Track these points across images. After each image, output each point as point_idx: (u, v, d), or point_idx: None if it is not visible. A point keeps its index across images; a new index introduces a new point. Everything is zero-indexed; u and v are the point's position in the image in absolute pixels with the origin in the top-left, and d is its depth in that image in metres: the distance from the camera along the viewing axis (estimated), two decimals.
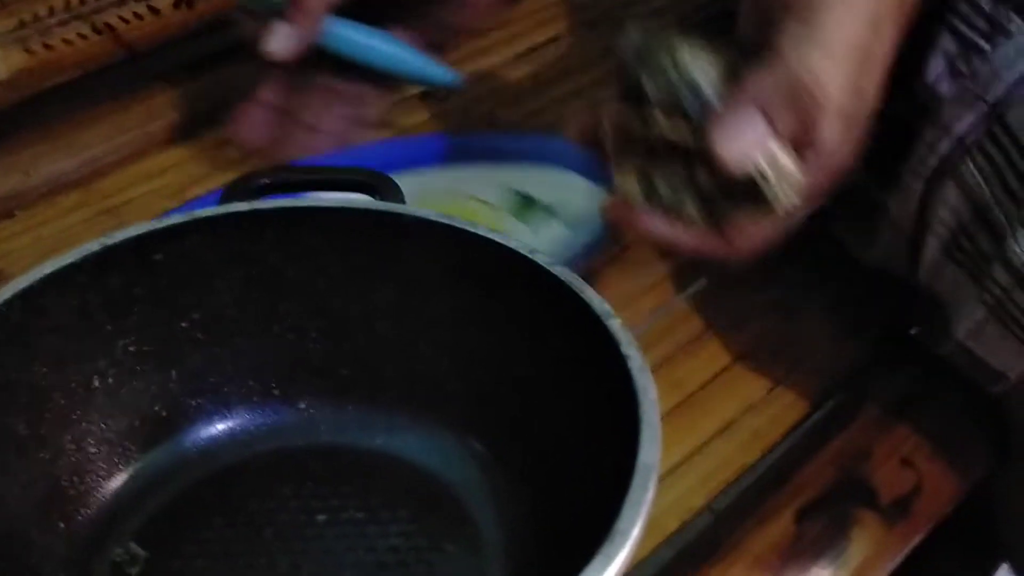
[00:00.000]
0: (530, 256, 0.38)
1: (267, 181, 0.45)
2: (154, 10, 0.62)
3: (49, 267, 0.38)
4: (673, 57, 0.38)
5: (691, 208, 0.40)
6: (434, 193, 0.54)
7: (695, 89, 0.38)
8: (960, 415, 0.46)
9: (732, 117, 0.36)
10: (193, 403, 0.41)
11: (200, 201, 0.53)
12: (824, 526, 0.42)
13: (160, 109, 0.64)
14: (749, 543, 0.41)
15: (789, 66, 0.36)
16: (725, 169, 0.36)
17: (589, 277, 0.38)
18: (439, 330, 0.41)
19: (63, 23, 0.60)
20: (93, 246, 0.39)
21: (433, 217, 0.40)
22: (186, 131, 0.63)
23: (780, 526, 0.42)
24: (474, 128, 0.64)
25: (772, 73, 0.36)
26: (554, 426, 0.37)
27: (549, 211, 0.55)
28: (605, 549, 0.29)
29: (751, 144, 0.36)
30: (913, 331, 0.46)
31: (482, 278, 0.40)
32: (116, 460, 0.39)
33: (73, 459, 0.38)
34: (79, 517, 0.38)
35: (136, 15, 0.61)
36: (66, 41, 0.60)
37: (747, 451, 0.44)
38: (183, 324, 0.41)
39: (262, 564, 0.37)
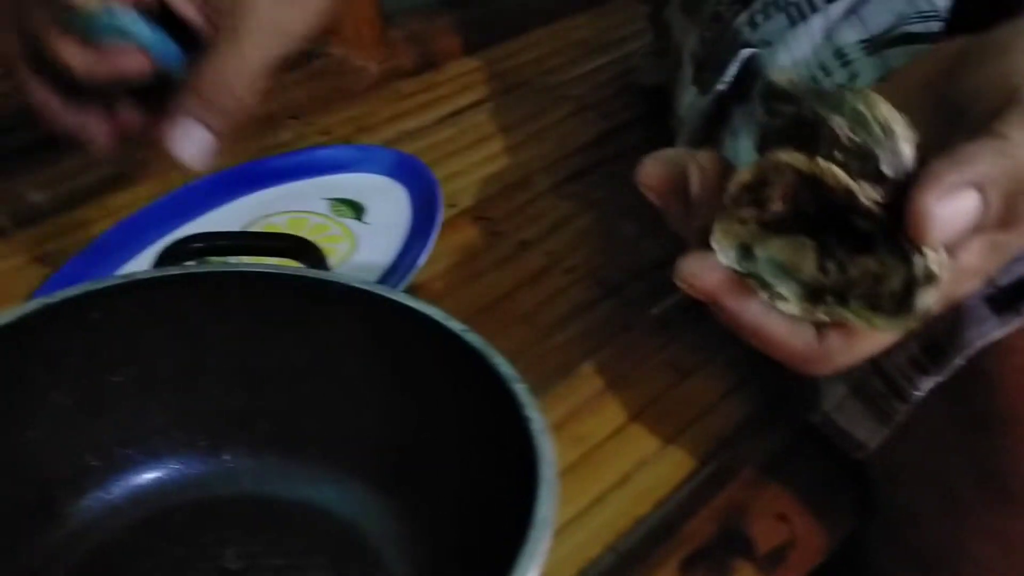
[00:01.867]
0: (444, 323, 0.41)
1: (200, 245, 0.48)
2: None
3: None
4: (871, 108, 0.32)
5: (792, 298, 0.34)
6: (271, 212, 0.62)
7: (895, 149, 0.32)
8: (829, 475, 0.50)
9: (949, 188, 0.31)
10: (123, 453, 0.43)
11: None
12: (706, 575, 0.45)
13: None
14: None
15: (1012, 155, 0.31)
16: (922, 238, 0.31)
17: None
18: (356, 388, 0.43)
19: None
20: (33, 305, 0.41)
21: (351, 283, 0.43)
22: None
23: (666, 574, 0.45)
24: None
25: (1002, 157, 0.31)
26: (462, 480, 0.40)
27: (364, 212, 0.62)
28: None
29: (960, 227, 0.31)
30: (789, 396, 0.51)
31: (396, 340, 0.42)
32: (46, 508, 0.41)
33: (3, 509, 0.39)
34: (6, 569, 0.39)
35: None
36: None
37: (640, 504, 0.47)
38: (114, 378, 0.43)
39: None
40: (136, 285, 0.43)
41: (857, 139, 0.32)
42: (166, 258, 0.47)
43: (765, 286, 0.34)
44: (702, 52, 0.58)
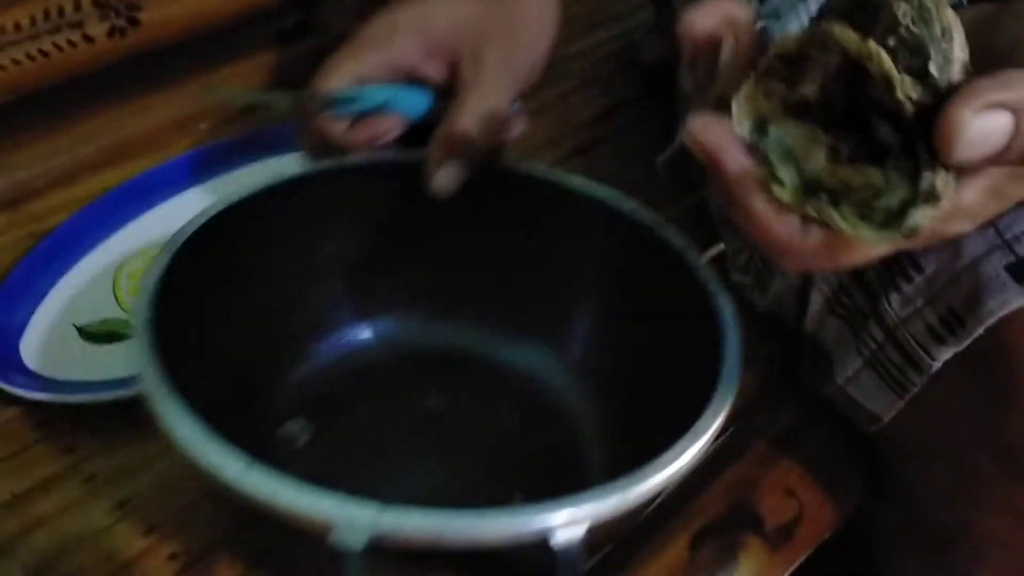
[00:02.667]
0: (618, 205, 0.47)
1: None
2: (88, 38, 0.63)
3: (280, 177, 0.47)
4: (938, 6, 0.31)
5: (789, 185, 0.33)
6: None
7: (948, 54, 0.31)
8: (838, 451, 0.49)
9: (987, 103, 0.30)
10: (341, 313, 0.50)
11: None
12: (715, 551, 0.45)
13: (92, 134, 0.65)
14: (649, 566, 0.44)
15: None
16: (948, 149, 0.30)
17: None
18: (551, 267, 0.49)
19: None
20: (273, 179, 0.47)
21: (544, 174, 0.49)
22: (117, 156, 0.64)
23: (676, 551, 0.45)
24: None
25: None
26: (639, 339, 0.46)
27: None
28: (713, 405, 0.37)
29: (988, 147, 0.31)
30: (800, 369, 0.50)
31: (586, 224, 0.48)
32: (278, 359, 0.48)
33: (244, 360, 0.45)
34: (262, 398, 0.46)
35: (70, 43, 0.62)
36: (0, 67, 0.61)
37: None
38: (339, 248, 0.49)
39: (399, 439, 0.46)
40: (365, 167, 0.49)
41: (916, 30, 0.31)
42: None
43: (767, 164, 0.33)
44: None
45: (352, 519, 0.31)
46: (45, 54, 0.62)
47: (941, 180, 0.31)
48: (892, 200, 0.32)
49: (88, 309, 0.54)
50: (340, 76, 0.49)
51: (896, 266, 0.41)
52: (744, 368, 0.39)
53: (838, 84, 0.33)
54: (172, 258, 0.42)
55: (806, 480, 0.48)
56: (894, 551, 0.50)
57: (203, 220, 0.44)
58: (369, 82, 0.49)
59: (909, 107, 0.31)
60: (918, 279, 0.41)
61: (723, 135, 0.34)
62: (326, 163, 0.49)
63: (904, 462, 0.47)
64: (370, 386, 0.48)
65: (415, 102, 0.50)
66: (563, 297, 0.49)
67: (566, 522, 0.32)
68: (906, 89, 0.31)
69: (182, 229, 0.43)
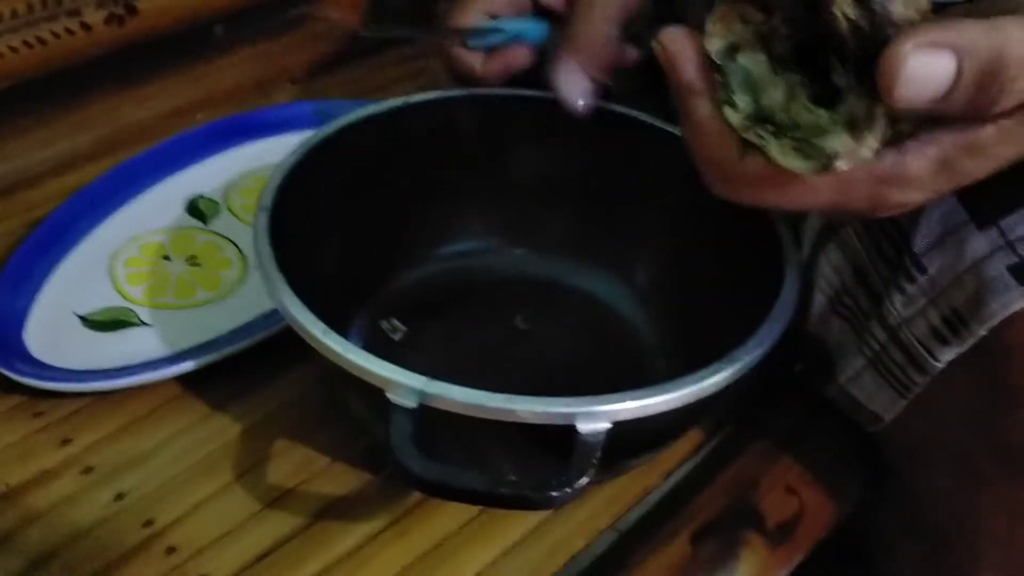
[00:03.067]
0: None
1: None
2: (86, 26, 0.63)
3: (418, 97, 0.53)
4: None
5: (740, 111, 0.34)
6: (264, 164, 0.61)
7: None
8: (839, 448, 0.50)
9: (929, 42, 0.30)
10: (444, 230, 0.55)
11: None
12: (716, 548, 0.45)
13: (88, 123, 0.65)
14: (649, 563, 0.44)
15: (1011, 38, 0.30)
16: (888, 85, 0.30)
17: None
18: (625, 200, 0.54)
19: None
20: (397, 101, 0.52)
21: (638, 116, 0.53)
22: (114, 145, 0.64)
23: (677, 547, 0.45)
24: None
25: (986, 34, 0.30)
26: (703, 271, 0.50)
27: None
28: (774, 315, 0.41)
29: (927, 88, 0.30)
30: (798, 368, 0.51)
31: (659, 159, 0.51)
32: (388, 266, 0.53)
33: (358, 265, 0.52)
34: (371, 295, 0.52)
35: (68, 30, 0.62)
36: None
37: (648, 475, 0.47)
38: (446, 172, 0.54)
39: (480, 349, 0.51)
40: (473, 97, 0.54)
41: None
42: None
43: (726, 87, 0.35)
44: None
45: (406, 381, 0.37)
46: (42, 41, 0.62)
47: (864, 107, 0.31)
48: (831, 143, 0.32)
49: (87, 296, 0.53)
50: (472, 11, 0.52)
51: (899, 266, 0.41)
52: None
53: (808, 16, 0.33)
54: (299, 159, 0.48)
55: (807, 478, 0.48)
56: (893, 550, 0.50)
57: (328, 132, 0.50)
58: (499, 16, 0.53)
59: (844, 25, 0.32)
60: (921, 279, 0.41)
61: (689, 47, 0.35)
62: (435, 94, 0.53)
63: (904, 461, 0.47)
64: (464, 300, 0.54)
65: (542, 32, 0.53)
66: (632, 227, 0.54)
67: (587, 415, 0.37)
68: (843, 4, 0.31)
69: (304, 143, 0.49)
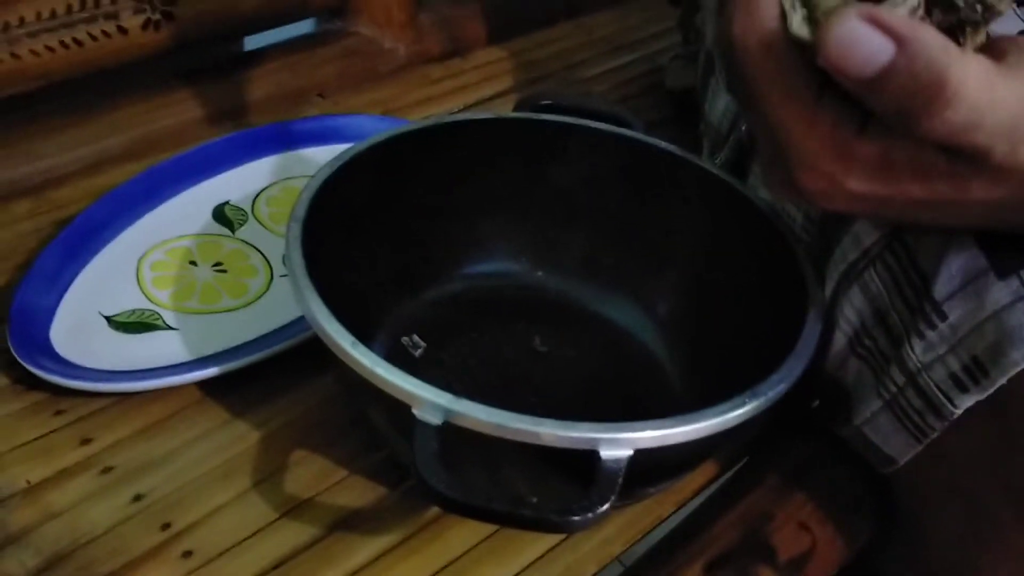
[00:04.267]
0: (714, 169, 0.53)
1: (547, 102, 0.57)
2: (123, 30, 0.63)
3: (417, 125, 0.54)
4: None
5: (802, 17, 0.34)
6: (294, 175, 0.64)
7: None
8: (852, 487, 0.50)
9: (872, 20, 0.31)
10: (465, 251, 0.56)
11: None
12: None
13: (119, 125, 0.66)
14: None
15: (960, 65, 0.31)
16: (819, 39, 0.32)
17: None
18: (648, 227, 0.55)
19: (32, 34, 0.60)
20: (429, 121, 0.54)
21: (662, 146, 0.54)
22: (144, 149, 0.65)
23: None
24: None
25: (939, 49, 0.31)
26: (725, 301, 0.51)
27: None
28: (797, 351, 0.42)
29: (858, 58, 0.31)
30: (814, 405, 0.51)
31: (682, 187, 0.53)
32: (407, 285, 0.54)
33: (396, 277, 0.53)
34: (394, 310, 0.53)
35: (105, 33, 0.63)
36: (33, 52, 0.61)
37: (663, 504, 0.48)
38: (470, 191, 0.55)
39: (499, 369, 0.52)
40: (502, 121, 0.55)
41: None
42: (520, 107, 0.57)
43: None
44: None
45: (433, 398, 0.38)
46: (78, 43, 0.62)
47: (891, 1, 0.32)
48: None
49: (113, 298, 0.54)
50: None
51: (920, 312, 0.42)
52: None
53: None
54: (332, 174, 0.48)
55: (819, 515, 0.48)
56: None
57: (361, 148, 0.51)
58: None
59: None
60: (942, 326, 0.41)
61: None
62: (464, 116, 0.55)
63: (916, 503, 0.48)
64: (484, 320, 0.54)
65: None
66: (656, 257, 0.55)
67: (611, 441, 0.37)
68: None
69: (338, 157, 0.49)
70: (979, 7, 0.33)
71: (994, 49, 0.33)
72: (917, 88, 0.31)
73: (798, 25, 0.34)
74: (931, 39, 0.31)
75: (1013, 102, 0.32)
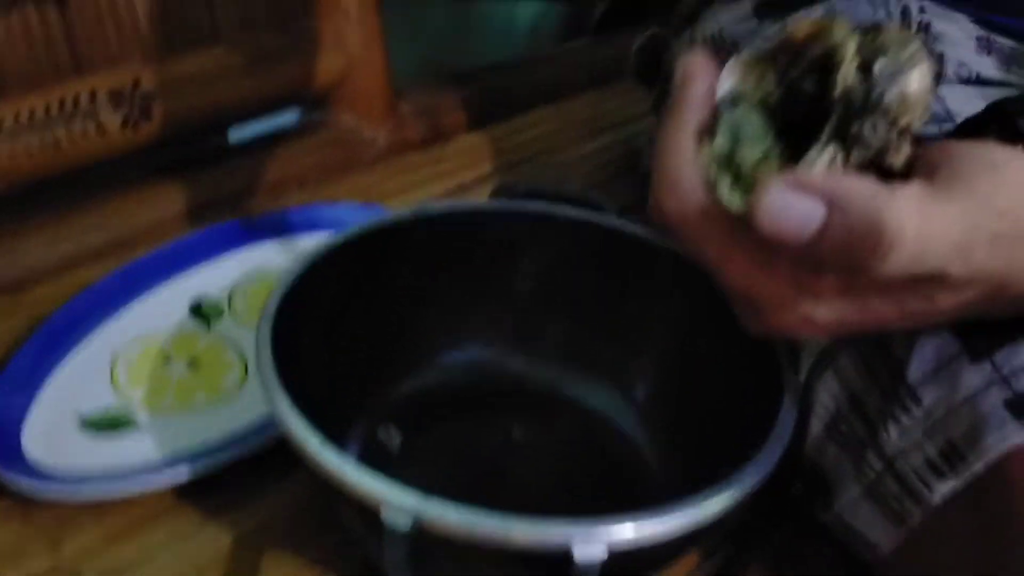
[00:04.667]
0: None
1: (522, 189, 0.57)
2: (102, 129, 0.64)
3: (389, 219, 0.53)
4: (914, 40, 0.34)
5: (715, 154, 0.36)
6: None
7: (900, 68, 0.34)
8: (835, 574, 0.49)
9: (795, 186, 0.32)
10: (444, 339, 0.55)
11: None
12: None
13: (100, 222, 0.66)
14: None
15: (891, 207, 0.31)
16: (751, 209, 0.32)
17: None
18: (624, 313, 0.54)
19: (12, 136, 0.61)
20: (405, 212, 0.54)
21: (636, 231, 0.54)
22: (123, 245, 0.65)
23: None
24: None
25: (867, 198, 0.31)
26: (701, 386, 0.51)
27: None
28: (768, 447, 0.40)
29: (786, 227, 0.32)
30: (795, 489, 0.50)
31: (666, 282, 0.52)
32: (384, 374, 0.53)
33: (372, 368, 0.53)
34: (370, 401, 0.52)
35: (84, 133, 0.63)
36: (12, 155, 0.61)
37: None
38: (447, 280, 0.55)
39: (477, 459, 0.51)
40: (478, 210, 0.56)
41: (889, 38, 0.34)
42: (496, 195, 0.57)
43: (714, 124, 0.36)
44: None
45: (399, 501, 0.36)
46: (58, 143, 0.63)
47: (815, 152, 0.33)
48: None
49: (87, 397, 0.53)
50: None
51: (894, 396, 0.41)
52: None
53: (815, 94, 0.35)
54: (303, 269, 0.48)
55: None
56: None
57: (334, 242, 0.50)
58: None
59: (838, 89, 0.34)
60: (916, 411, 0.41)
61: (710, 73, 0.37)
62: (441, 206, 0.55)
63: None
64: (462, 408, 0.54)
65: None
66: (633, 342, 0.54)
67: (584, 540, 0.36)
68: (848, 72, 0.34)
69: (311, 251, 0.49)
70: (893, 133, 0.34)
71: (925, 163, 0.34)
72: (856, 241, 0.32)
73: (728, 194, 0.35)
74: (858, 190, 0.32)
75: (954, 226, 0.32)
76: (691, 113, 0.37)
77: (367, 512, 0.38)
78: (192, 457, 0.49)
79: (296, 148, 0.76)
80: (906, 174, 0.34)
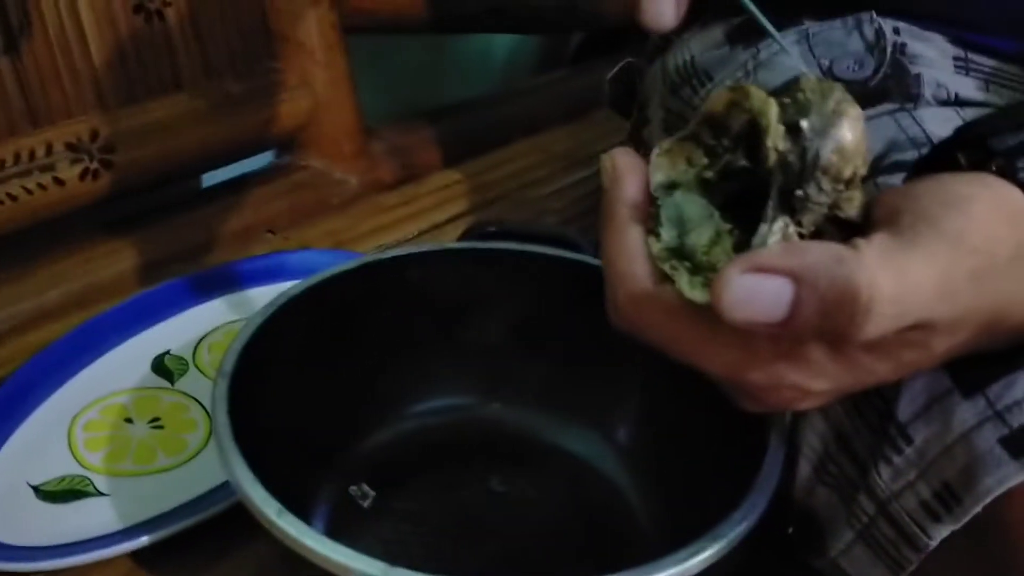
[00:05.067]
0: None
1: (493, 229, 0.57)
2: (60, 181, 0.62)
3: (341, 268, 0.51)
4: (836, 90, 0.33)
5: (663, 244, 0.34)
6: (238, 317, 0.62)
7: (829, 122, 0.32)
8: None
9: (761, 264, 0.30)
10: (416, 388, 0.53)
11: None
12: None
13: (59, 278, 0.64)
14: None
15: (859, 270, 0.30)
16: (716, 304, 0.31)
17: None
18: (606, 361, 0.50)
19: None
20: (369, 257, 0.52)
21: (591, 261, 0.52)
22: (83, 301, 0.63)
23: None
24: None
25: (832, 264, 0.30)
26: (684, 430, 0.48)
27: None
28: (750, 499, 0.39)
29: (755, 313, 0.30)
30: (789, 532, 0.48)
31: None
32: (354, 427, 0.51)
33: (341, 421, 0.50)
34: (341, 457, 0.50)
35: (41, 186, 0.62)
36: None
37: None
38: (417, 327, 0.53)
39: (455, 513, 0.49)
40: (447, 253, 0.54)
41: (810, 96, 0.32)
42: (466, 236, 0.57)
43: (655, 218, 0.35)
44: None
45: (365, 570, 0.35)
46: (14, 198, 0.61)
47: (765, 227, 0.32)
48: None
49: (43, 465, 0.51)
50: None
51: (884, 435, 0.39)
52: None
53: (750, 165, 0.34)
54: (263, 321, 0.46)
55: None
56: None
57: (296, 292, 0.48)
58: None
59: (773, 157, 0.32)
60: (908, 451, 0.39)
61: (637, 169, 0.35)
62: (407, 249, 0.53)
63: None
64: (437, 460, 0.52)
65: None
66: (613, 384, 0.52)
67: None
68: (776, 138, 0.32)
69: (271, 302, 0.47)
70: (839, 187, 0.33)
71: (887, 209, 0.32)
72: (832, 310, 0.30)
73: (688, 288, 0.33)
74: (822, 259, 0.30)
75: (929, 273, 0.31)
76: (628, 210, 0.35)
77: None
78: (151, 523, 0.47)
79: (265, 193, 0.75)
80: (864, 219, 0.33)
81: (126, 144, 0.65)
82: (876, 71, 0.50)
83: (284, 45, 0.73)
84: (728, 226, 0.34)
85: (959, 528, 0.38)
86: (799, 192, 0.32)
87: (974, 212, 0.32)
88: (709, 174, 0.35)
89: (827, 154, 0.32)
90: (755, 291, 0.30)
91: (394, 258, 0.52)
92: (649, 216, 0.35)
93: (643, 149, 0.73)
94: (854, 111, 0.33)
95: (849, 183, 0.33)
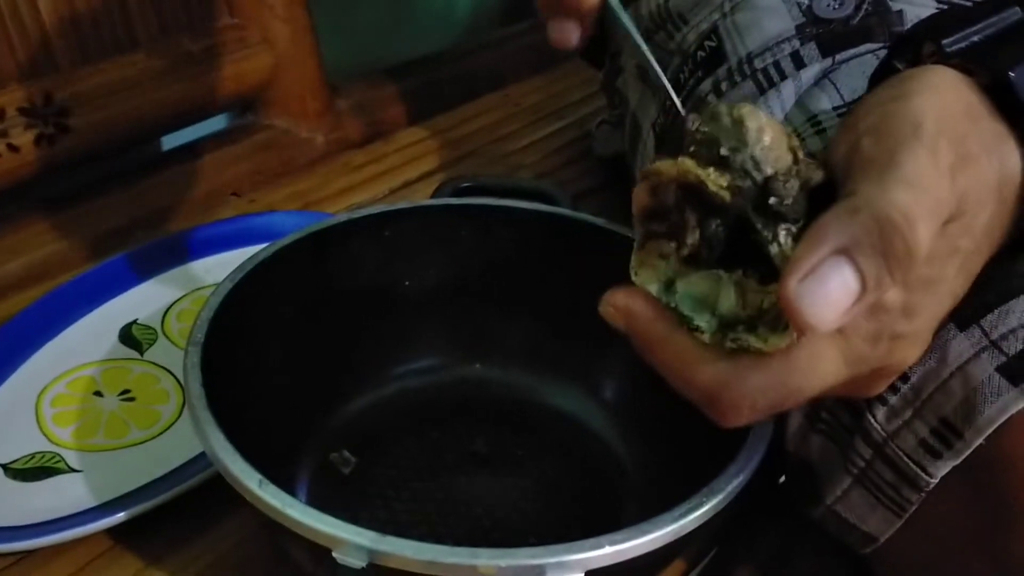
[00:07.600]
0: None
1: (468, 184, 0.56)
2: (14, 148, 0.60)
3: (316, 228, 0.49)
4: (730, 109, 0.33)
5: (708, 330, 0.34)
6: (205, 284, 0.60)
7: (740, 135, 0.33)
8: (827, 571, 0.46)
9: (810, 266, 0.30)
10: (397, 351, 0.52)
11: None
12: None
13: (18, 248, 0.61)
14: None
15: (873, 203, 0.30)
16: (799, 325, 0.30)
17: None
18: (585, 312, 0.45)
19: None
20: (341, 217, 0.50)
21: (591, 220, 0.51)
22: (44, 272, 0.60)
23: None
24: None
25: (854, 215, 0.30)
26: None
27: None
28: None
29: (839, 301, 0.30)
30: (782, 481, 0.47)
31: (618, 266, 0.45)
32: (335, 393, 0.50)
33: (319, 387, 0.49)
34: (321, 423, 0.49)
35: None
36: None
37: None
38: (396, 288, 0.52)
39: (438, 480, 0.47)
40: (420, 210, 0.52)
41: (705, 129, 0.33)
42: (439, 192, 0.56)
43: (683, 317, 0.34)
44: (664, 121, 0.56)
45: (353, 539, 0.34)
46: None
47: (775, 248, 0.32)
48: None
49: (11, 443, 0.49)
50: None
51: None
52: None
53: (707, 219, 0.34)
54: (234, 286, 0.45)
55: None
56: None
57: (266, 255, 0.47)
58: None
59: (726, 195, 0.33)
60: (904, 388, 0.38)
61: (638, 300, 0.35)
62: (381, 207, 0.51)
63: None
64: (420, 424, 0.50)
65: None
66: (598, 338, 0.49)
67: (558, 569, 0.33)
68: (714, 179, 0.33)
69: (242, 266, 0.46)
70: (795, 175, 0.33)
71: (839, 154, 0.33)
72: (885, 245, 0.30)
73: (765, 344, 0.32)
74: (837, 219, 0.30)
75: (923, 166, 0.31)
76: (658, 326, 0.35)
77: (318, 550, 0.34)
78: (127, 497, 0.46)
79: (228, 154, 0.72)
80: (830, 173, 0.33)
81: (81, 107, 0.62)
82: (857, 8, 0.48)
83: (243, 0, 0.70)
84: (739, 272, 0.34)
85: (959, 463, 0.37)
86: (771, 200, 0.32)
87: (915, 102, 0.32)
88: (685, 251, 0.35)
89: (762, 155, 0.33)
90: (821, 288, 0.30)
91: (366, 217, 0.50)
92: (676, 319, 0.34)
93: (617, 98, 0.72)
94: (746, 108, 0.33)
95: (796, 159, 0.33)
